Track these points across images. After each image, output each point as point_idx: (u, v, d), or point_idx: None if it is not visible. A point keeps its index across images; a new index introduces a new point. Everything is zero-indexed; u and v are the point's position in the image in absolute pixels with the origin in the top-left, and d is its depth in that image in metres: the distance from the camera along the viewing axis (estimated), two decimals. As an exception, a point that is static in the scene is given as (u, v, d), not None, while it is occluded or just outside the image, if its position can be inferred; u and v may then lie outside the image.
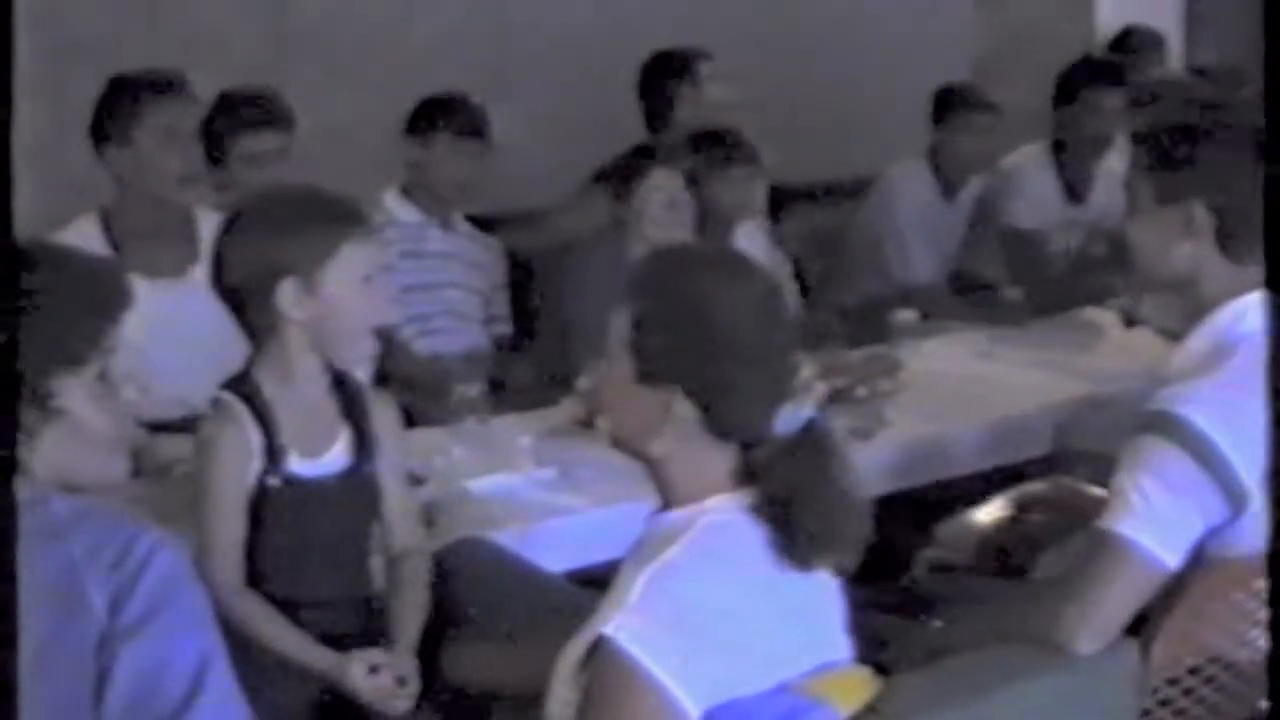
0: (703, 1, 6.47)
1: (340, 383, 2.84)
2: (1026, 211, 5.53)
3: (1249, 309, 2.57)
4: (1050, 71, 5.64)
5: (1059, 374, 4.29)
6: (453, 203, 4.77)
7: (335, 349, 2.78)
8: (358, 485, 2.83)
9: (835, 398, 3.31)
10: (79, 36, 5.06)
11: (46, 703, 1.81)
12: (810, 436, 2.15)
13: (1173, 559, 2.46)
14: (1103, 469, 2.73)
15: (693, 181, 4.53)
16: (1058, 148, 5.58)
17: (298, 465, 2.76)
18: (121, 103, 3.81)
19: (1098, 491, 3.13)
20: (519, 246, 5.07)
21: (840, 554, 2.16)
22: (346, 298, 2.70)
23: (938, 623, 2.73)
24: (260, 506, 2.74)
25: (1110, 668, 2.40)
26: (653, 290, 2.18)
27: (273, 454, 2.73)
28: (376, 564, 2.90)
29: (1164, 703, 2.49)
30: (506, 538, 3.08)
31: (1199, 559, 2.50)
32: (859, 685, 2.18)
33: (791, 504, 2.11)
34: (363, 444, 2.83)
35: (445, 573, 2.90)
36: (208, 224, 3.90)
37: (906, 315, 4.54)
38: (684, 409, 2.13)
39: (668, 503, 2.19)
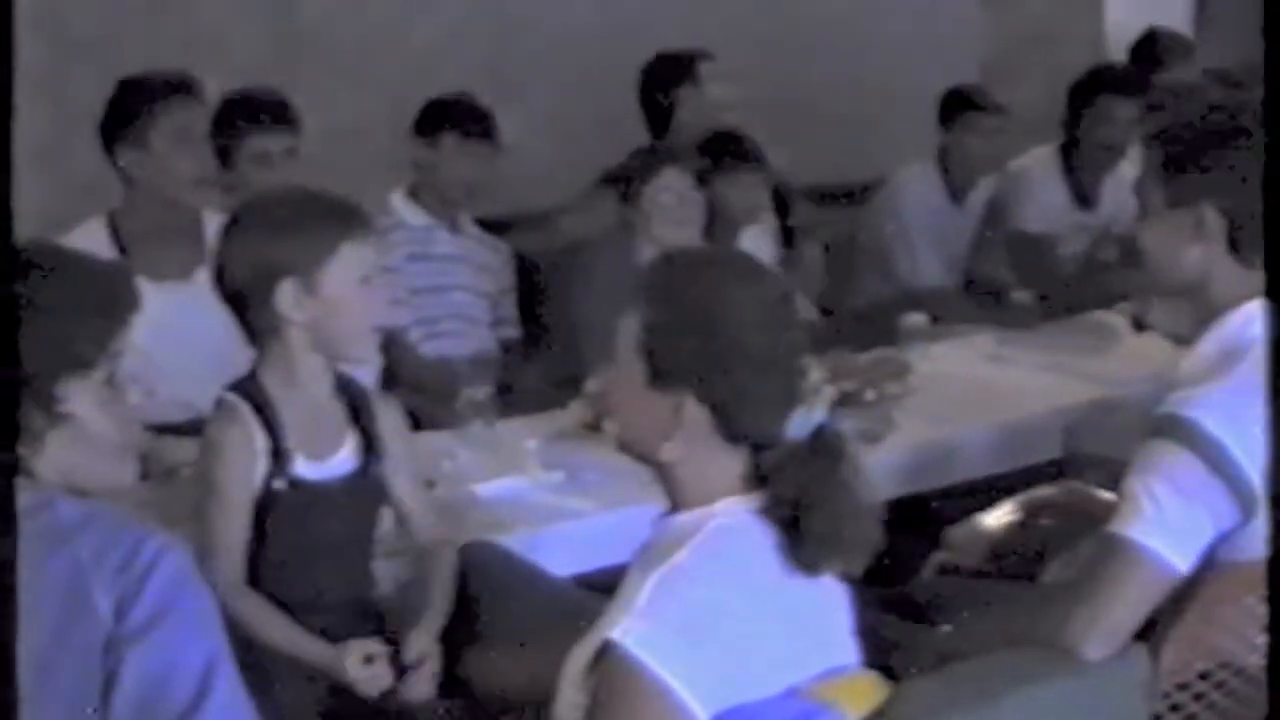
0: (706, 1, 6.46)
1: (345, 385, 2.84)
2: (1035, 215, 5.52)
3: (1260, 313, 2.56)
4: (1058, 73, 5.63)
5: (1068, 377, 4.28)
6: (460, 204, 4.77)
7: (337, 349, 2.78)
8: (364, 488, 2.83)
9: (843, 401, 3.28)
10: (81, 36, 5.06)
11: (53, 706, 1.81)
12: (822, 441, 2.14)
13: (1183, 563, 2.44)
14: (1113, 473, 2.72)
15: (702, 182, 4.53)
16: (1067, 151, 5.57)
17: (303, 468, 2.76)
18: (135, 104, 3.80)
19: (1107, 496, 3.12)
20: (526, 248, 5.06)
21: (849, 559, 2.16)
22: (346, 298, 2.71)
23: (947, 627, 2.72)
24: (266, 509, 2.74)
25: (1120, 673, 2.38)
26: (664, 294, 2.17)
27: (279, 457, 2.74)
28: (380, 567, 2.90)
29: (1174, 708, 2.48)
30: (514, 542, 3.08)
31: (1209, 563, 2.48)
32: (868, 690, 2.18)
33: (802, 508, 2.11)
34: (369, 447, 2.83)
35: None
36: (214, 226, 3.90)
37: (915, 318, 4.53)
38: (696, 413, 2.13)
39: (675, 506, 2.19)
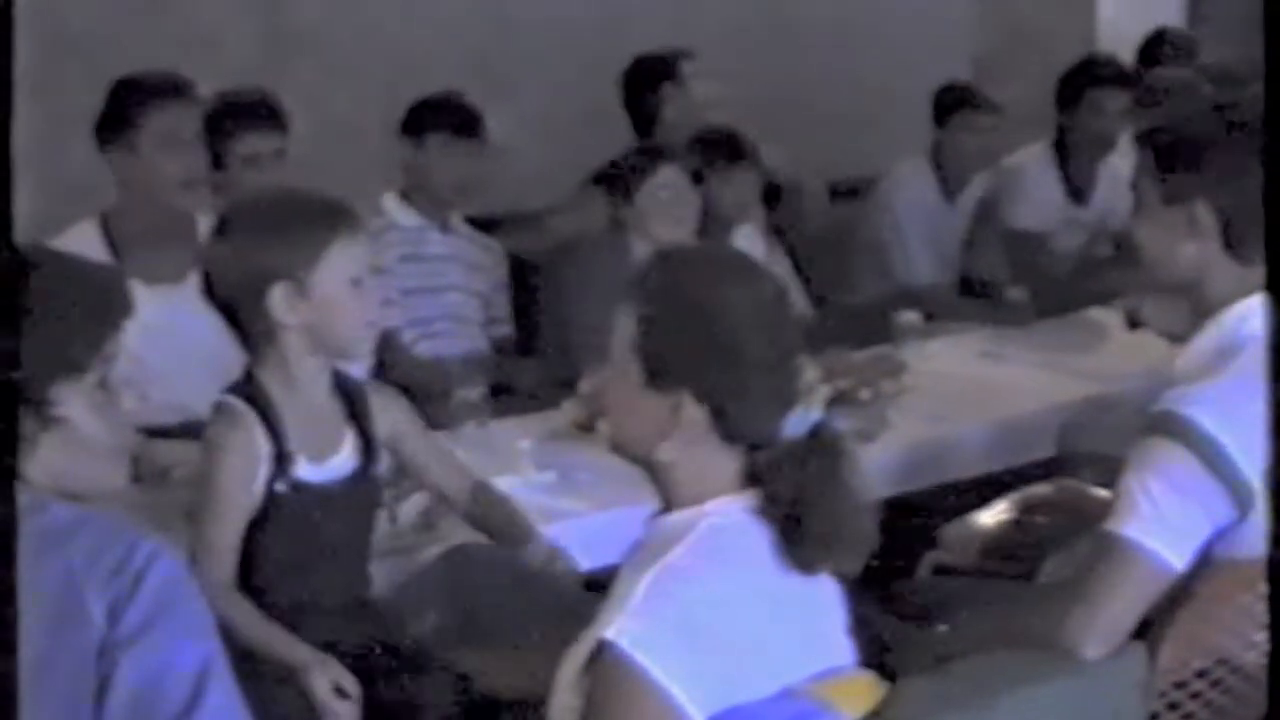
0: (697, -1, 6.46)
1: (342, 384, 2.83)
2: (1029, 212, 5.52)
3: (1255, 310, 2.56)
4: (1050, 69, 5.62)
5: (1063, 375, 4.28)
6: (451, 204, 4.75)
7: (334, 349, 2.77)
8: (363, 489, 2.82)
9: (838, 399, 3.29)
10: (74, 35, 5.05)
11: (46, 712, 1.80)
12: (819, 439, 2.14)
13: (1179, 561, 2.44)
14: (1108, 470, 2.72)
15: (697, 180, 4.52)
16: (1060, 148, 5.56)
17: (305, 470, 2.74)
18: (124, 107, 3.79)
19: (1102, 494, 3.12)
20: (517, 248, 5.05)
21: (847, 558, 2.15)
22: (339, 298, 2.69)
23: (943, 627, 2.71)
24: (267, 512, 2.72)
25: (1117, 672, 2.38)
26: (660, 292, 2.16)
27: (281, 460, 2.72)
28: (374, 568, 2.88)
29: (1172, 706, 2.47)
30: (507, 542, 3.07)
31: (1206, 561, 2.48)
32: (864, 690, 2.17)
33: (799, 506, 2.10)
34: (368, 447, 2.82)
35: (446, 578, 2.88)
36: (207, 228, 3.89)
37: (910, 316, 4.53)
38: (694, 412, 2.12)
39: (668, 505, 2.18)
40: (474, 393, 3.71)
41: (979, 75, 6.48)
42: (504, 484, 3.34)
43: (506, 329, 4.88)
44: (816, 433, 2.14)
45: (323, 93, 5.40)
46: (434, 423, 3.68)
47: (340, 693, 2.59)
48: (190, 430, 3.49)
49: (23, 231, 1.73)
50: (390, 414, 2.89)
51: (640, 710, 1.99)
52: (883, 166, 5.75)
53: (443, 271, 4.72)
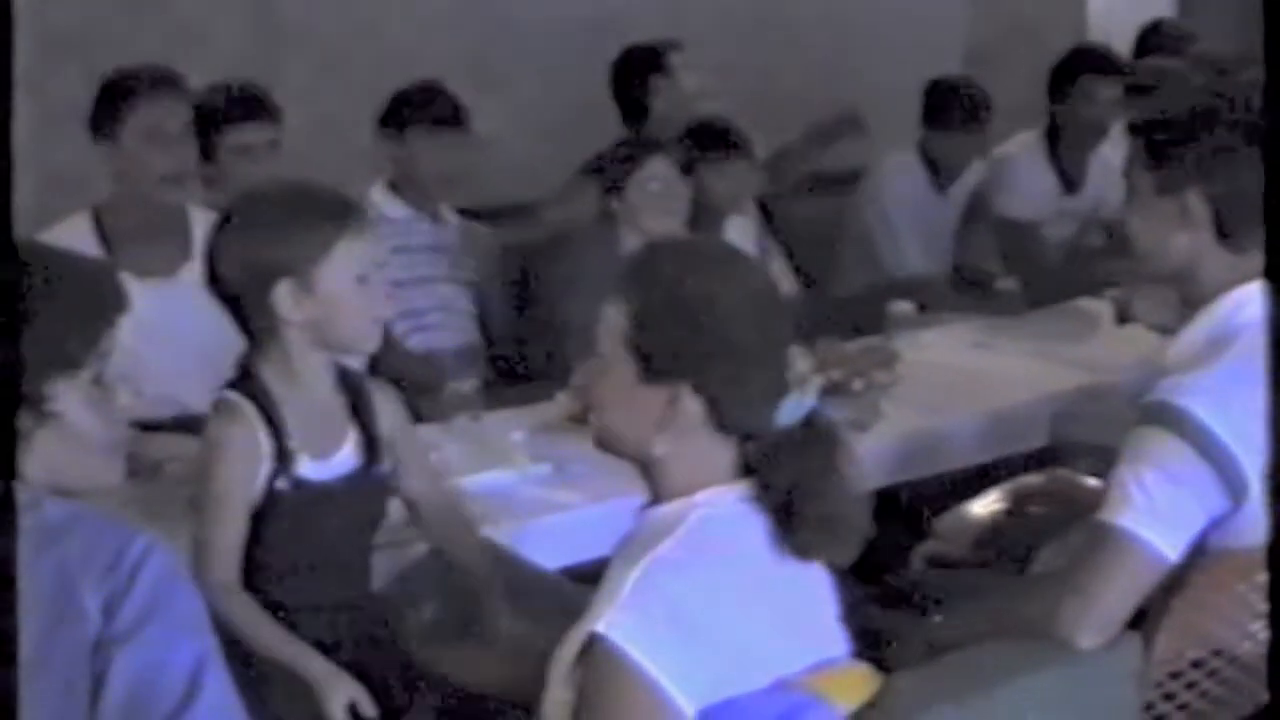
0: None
1: (345, 379, 2.79)
2: (1021, 202, 5.51)
3: (1248, 299, 2.56)
4: (1042, 60, 5.62)
5: (1056, 364, 4.27)
6: (439, 194, 4.74)
7: (339, 345, 2.73)
8: (365, 487, 2.78)
9: (831, 390, 3.29)
10: (63, 30, 5.03)
11: (42, 708, 1.79)
12: (814, 428, 2.14)
13: (1174, 551, 2.44)
14: (1101, 460, 2.72)
15: (687, 171, 4.51)
16: (1051, 137, 5.56)
17: (307, 468, 2.70)
18: (112, 100, 3.79)
19: (1095, 483, 3.12)
20: (510, 240, 5.05)
21: (843, 546, 2.15)
22: (345, 295, 2.65)
23: (937, 618, 2.71)
24: (268, 510, 2.68)
25: (1112, 662, 2.38)
26: (652, 286, 2.15)
27: (283, 457, 2.67)
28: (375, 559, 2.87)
29: (1167, 696, 2.48)
30: (501, 535, 3.06)
31: (1200, 550, 2.48)
32: (859, 682, 2.17)
33: (797, 494, 2.11)
34: (371, 444, 2.78)
35: (443, 571, 2.87)
36: (200, 222, 3.88)
37: (903, 306, 4.53)
38: (690, 404, 2.11)
39: (657, 497, 2.18)
40: (466, 385, 3.70)
41: (970, 64, 6.48)
42: (498, 477, 3.35)
43: (498, 321, 4.88)
44: (811, 421, 2.14)
45: (313, 86, 5.39)
46: (427, 416, 3.69)
47: (355, 715, 2.55)
48: (183, 424, 3.49)
49: (16, 225, 1.72)
50: (391, 413, 2.85)
51: (631, 703, 1.99)
52: (873, 159, 5.75)
53: (433, 262, 4.71)
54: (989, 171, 5.62)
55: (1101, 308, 4.72)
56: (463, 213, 4.90)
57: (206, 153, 4.15)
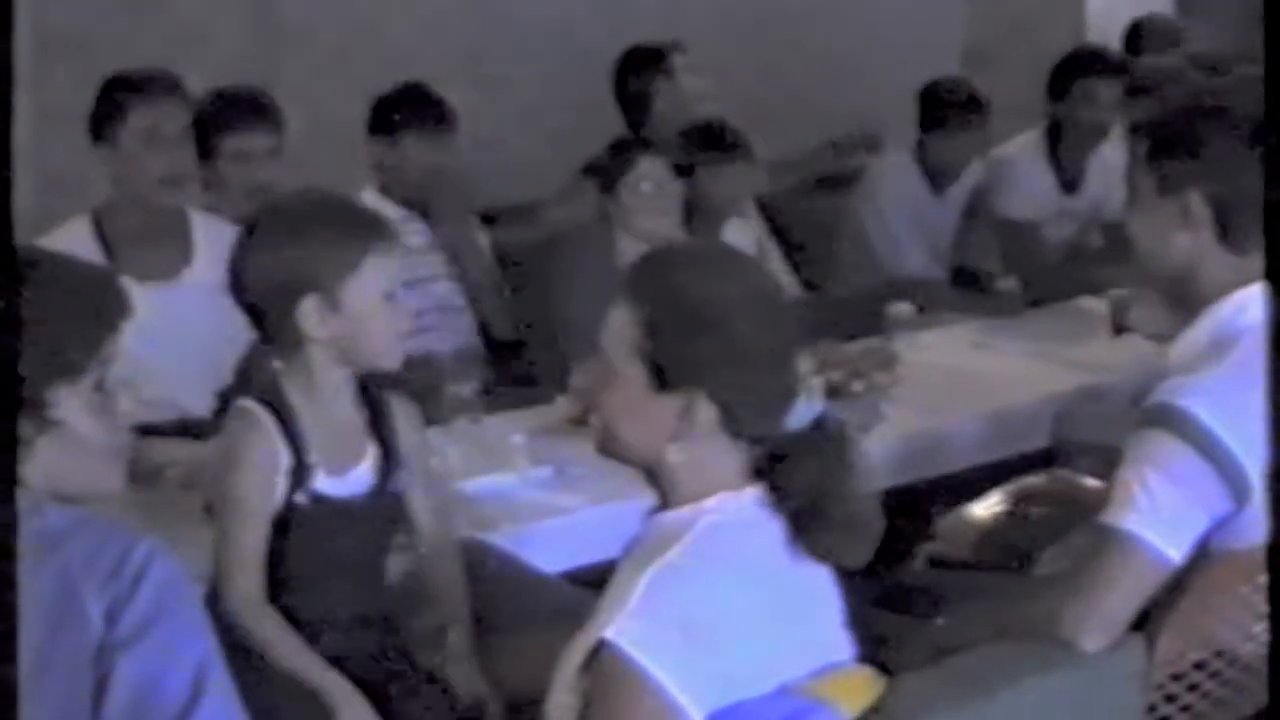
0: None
1: (366, 393, 2.74)
2: (1020, 202, 5.51)
3: (1250, 300, 2.55)
4: (1041, 60, 5.61)
5: (1056, 365, 4.27)
6: (431, 193, 4.73)
7: (362, 362, 2.67)
8: (382, 504, 2.74)
9: (831, 392, 3.29)
10: (62, 32, 5.03)
11: (45, 714, 1.79)
12: (826, 429, 2.14)
13: (1177, 553, 2.44)
14: (1102, 460, 2.72)
15: (681, 172, 4.50)
16: (1051, 138, 5.56)
17: (324, 483, 2.66)
18: (108, 103, 3.79)
19: (1095, 484, 3.12)
20: (510, 241, 5.04)
21: (858, 547, 2.15)
22: (371, 313, 2.60)
23: (940, 620, 2.71)
24: (284, 524, 2.64)
25: (1116, 664, 2.38)
26: (662, 294, 2.14)
27: (300, 471, 2.63)
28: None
29: (1169, 698, 2.47)
30: (502, 538, 3.06)
31: (1203, 552, 2.48)
32: (863, 686, 2.17)
33: (815, 496, 2.11)
34: (389, 461, 2.74)
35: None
36: (200, 225, 3.88)
37: (902, 307, 4.52)
38: (705, 412, 2.11)
39: (667, 503, 2.17)
40: (466, 388, 3.69)
41: (968, 65, 6.48)
42: (499, 480, 3.35)
43: (499, 318, 4.87)
44: (822, 422, 2.14)
45: (313, 86, 5.38)
46: (427, 419, 3.68)
47: None
48: (184, 428, 3.49)
49: (15, 227, 1.71)
50: (409, 429, 2.80)
51: (639, 710, 1.99)
52: (868, 158, 5.75)
53: (429, 262, 4.71)
54: (989, 172, 5.61)
55: (1101, 308, 4.71)
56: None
57: (206, 156, 4.15)
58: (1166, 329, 2.68)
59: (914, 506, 3.40)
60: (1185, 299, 2.65)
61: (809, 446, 2.12)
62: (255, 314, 2.64)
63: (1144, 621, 2.44)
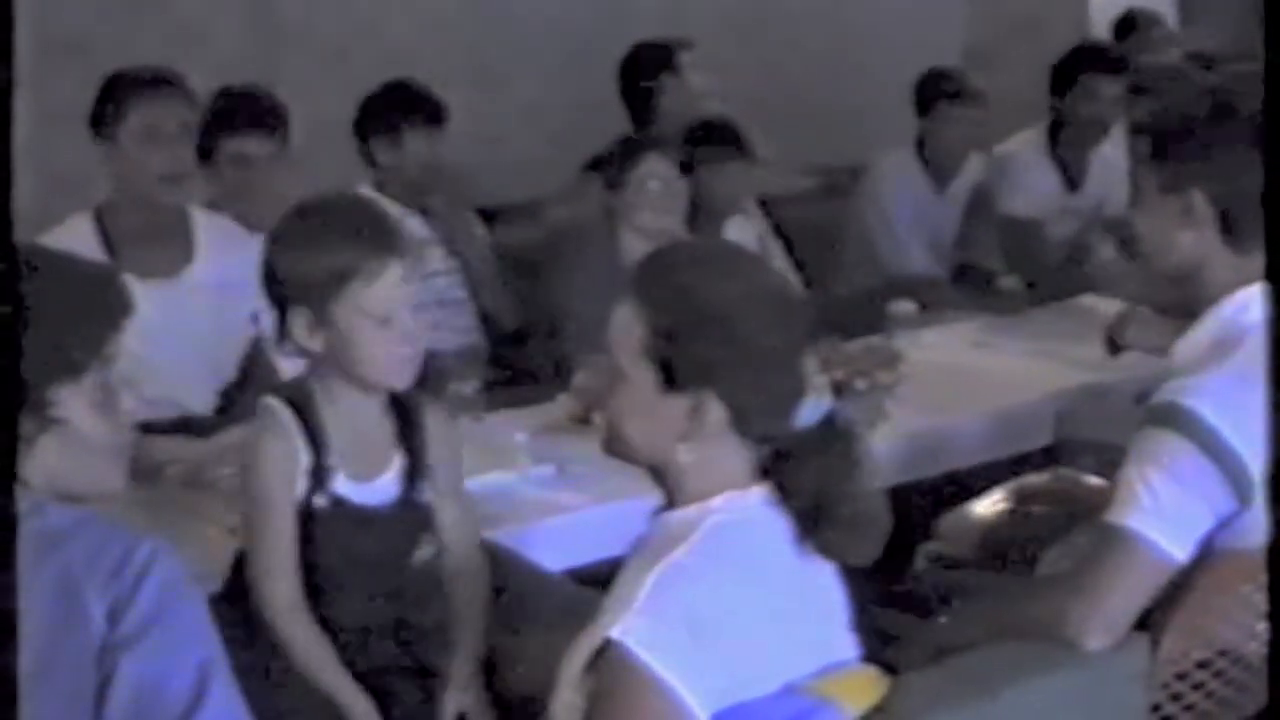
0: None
1: (396, 400, 2.67)
2: (1023, 199, 5.50)
3: (1254, 299, 2.55)
4: (1042, 57, 5.61)
5: (1058, 363, 4.26)
6: (428, 187, 4.73)
7: (357, 380, 2.61)
8: (408, 514, 2.68)
9: (834, 391, 3.28)
10: (63, 31, 5.03)
11: (48, 713, 1.79)
12: (834, 427, 2.14)
13: (1181, 552, 2.44)
14: (1105, 458, 2.71)
15: (686, 169, 4.50)
16: (1053, 135, 5.55)
17: (346, 488, 2.62)
18: (110, 100, 3.78)
19: (1097, 483, 3.12)
20: (513, 238, 5.04)
21: (867, 545, 2.15)
22: (361, 332, 2.54)
23: (944, 619, 2.71)
24: (306, 527, 2.61)
25: (1120, 663, 2.38)
26: (671, 294, 2.12)
27: (319, 473, 2.60)
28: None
29: (1174, 697, 2.47)
30: (504, 536, 3.05)
31: (1207, 551, 2.48)
32: (867, 685, 2.16)
33: (824, 494, 2.10)
34: (415, 471, 2.68)
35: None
36: (202, 223, 3.88)
37: (905, 306, 4.52)
38: (716, 412, 2.10)
39: (673, 502, 2.16)
40: (468, 386, 3.69)
41: (970, 62, 6.47)
42: (501, 479, 3.34)
43: (504, 312, 4.87)
44: (831, 420, 2.14)
45: (313, 85, 5.38)
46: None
47: None
48: (185, 426, 3.49)
49: (16, 226, 1.71)
50: (441, 440, 2.73)
51: (646, 709, 1.98)
52: (871, 156, 5.75)
53: (428, 258, 4.71)
54: (991, 169, 5.61)
55: (1104, 305, 4.70)
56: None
57: (208, 156, 4.15)
58: (1165, 343, 2.68)
59: (916, 505, 3.39)
60: (1190, 298, 2.64)
61: (817, 445, 2.12)
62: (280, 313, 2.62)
63: (1147, 621, 2.44)
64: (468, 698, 2.65)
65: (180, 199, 3.85)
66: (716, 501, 2.11)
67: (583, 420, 3.53)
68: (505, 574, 2.85)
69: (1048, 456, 3.76)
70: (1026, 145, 5.58)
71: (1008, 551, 3.20)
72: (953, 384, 4.07)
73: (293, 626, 2.58)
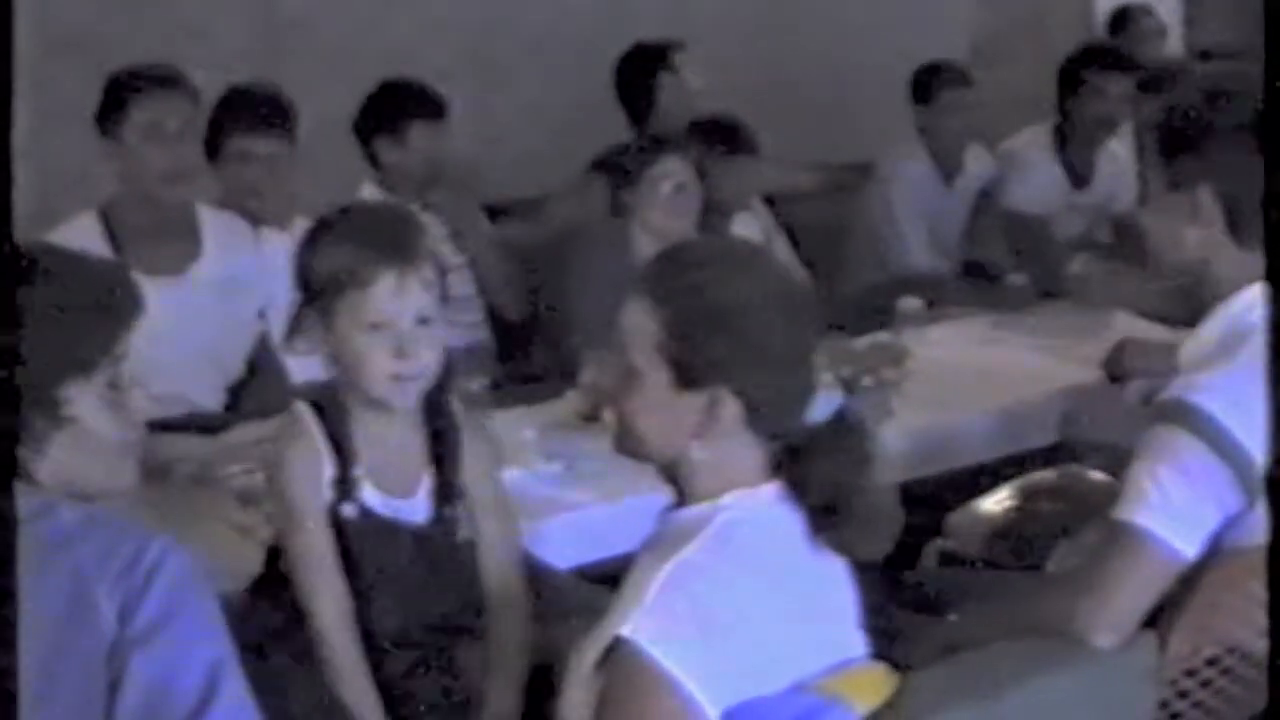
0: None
1: (433, 412, 2.62)
2: (1030, 195, 5.51)
3: (1262, 296, 2.55)
4: (1048, 55, 5.61)
5: (1065, 360, 4.25)
6: (430, 181, 4.74)
7: (359, 393, 2.56)
8: (440, 532, 2.62)
9: (841, 387, 3.29)
10: (65, 29, 5.03)
11: (58, 712, 1.79)
12: (846, 423, 2.14)
13: (1190, 549, 2.43)
14: (1112, 456, 2.71)
15: (701, 172, 4.50)
16: (1061, 132, 5.55)
17: (374, 499, 2.56)
18: (114, 98, 3.79)
19: (1104, 480, 3.12)
20: (517, 236, 5.04)
21: (879, 540, 2.15)
22: (353, 341, 2.50)
23: (952, 617, 2.71)
24: (334, 536, 2.55)
25: (1128, 661, 2.37)
26: (684, 291, 2.12)
27: (345, 483, 2.54)
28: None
29: (1182, 694, 2.47)
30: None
31: (1215, 549, 2.47)
32: (876, 682, 2.16)
33: (837, 490, 2.11)
34: (448, 491, 2.63)
35: None
36: (209, 220, 3.88)
37: (912, 302, 4.52)
38: (730, 409, 2.10)
39: (683, 499, 2.16)
40: (476, 383, 3.69)
41: (976, 59, 6.47)
42: (509, 476, 3.33)
43: (503, 296, 4.87)
44: (843, 416, 2.14)
45: (314, 84, 5.37)
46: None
47: None
48: (193, 423, 3.49)
49: (18, 224, 1.71)
50: (476, 457, 2.67)
51: (656, 706, 1.98)
52: (878, 154, 5.75)
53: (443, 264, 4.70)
54: (998, 165, 5.62)
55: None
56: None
57: (214, 154, 4.16)
58: (1163, 367, 2.68)
59: (924, 502, 3.40)
60: (1197, 296, 2.64)
61: (829, 440, 2.12)
62: None
63: (1156, 618, 2.44)
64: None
65: (184, 196, 3.85)
66: (727, 499, 2.11)
67: (591, 418, 3.53)
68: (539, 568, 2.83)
69: (1055, 454, 3.76)
70: (1033, 141, 5.59)
71: (1016, 549, 3.20)
72: (960, 381, 4.07)
73: (341, 642, 2.51)
